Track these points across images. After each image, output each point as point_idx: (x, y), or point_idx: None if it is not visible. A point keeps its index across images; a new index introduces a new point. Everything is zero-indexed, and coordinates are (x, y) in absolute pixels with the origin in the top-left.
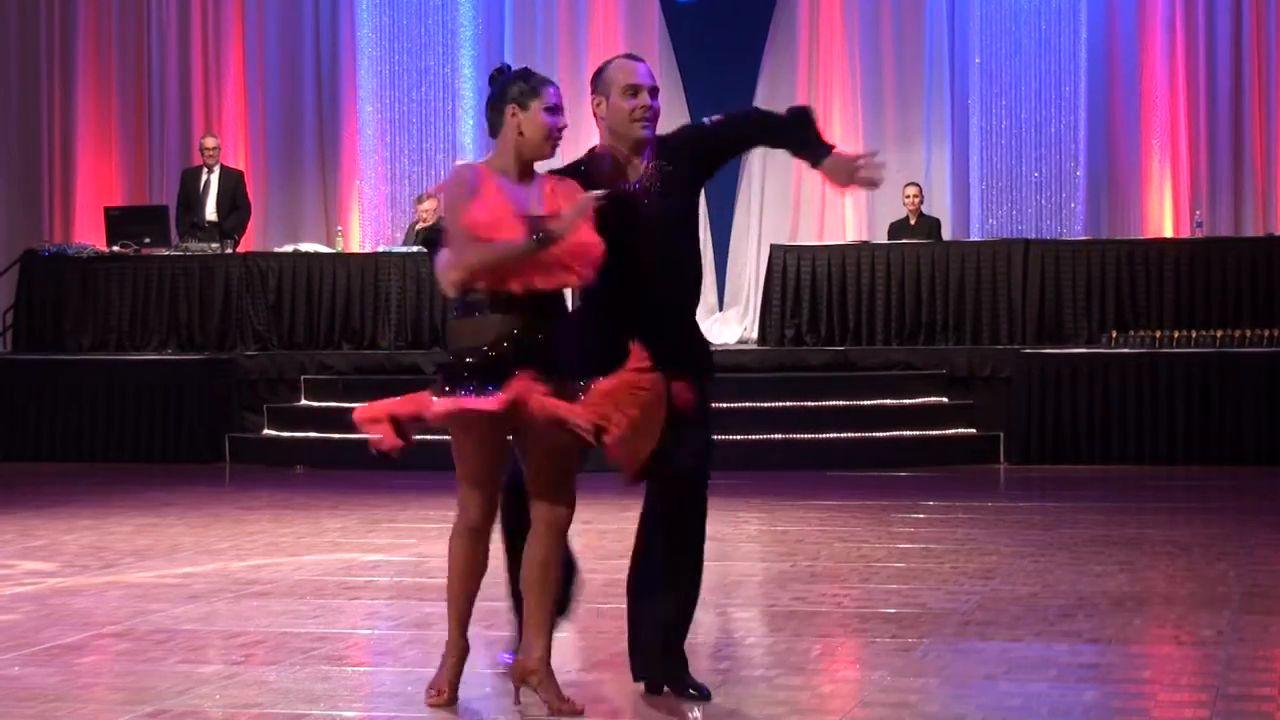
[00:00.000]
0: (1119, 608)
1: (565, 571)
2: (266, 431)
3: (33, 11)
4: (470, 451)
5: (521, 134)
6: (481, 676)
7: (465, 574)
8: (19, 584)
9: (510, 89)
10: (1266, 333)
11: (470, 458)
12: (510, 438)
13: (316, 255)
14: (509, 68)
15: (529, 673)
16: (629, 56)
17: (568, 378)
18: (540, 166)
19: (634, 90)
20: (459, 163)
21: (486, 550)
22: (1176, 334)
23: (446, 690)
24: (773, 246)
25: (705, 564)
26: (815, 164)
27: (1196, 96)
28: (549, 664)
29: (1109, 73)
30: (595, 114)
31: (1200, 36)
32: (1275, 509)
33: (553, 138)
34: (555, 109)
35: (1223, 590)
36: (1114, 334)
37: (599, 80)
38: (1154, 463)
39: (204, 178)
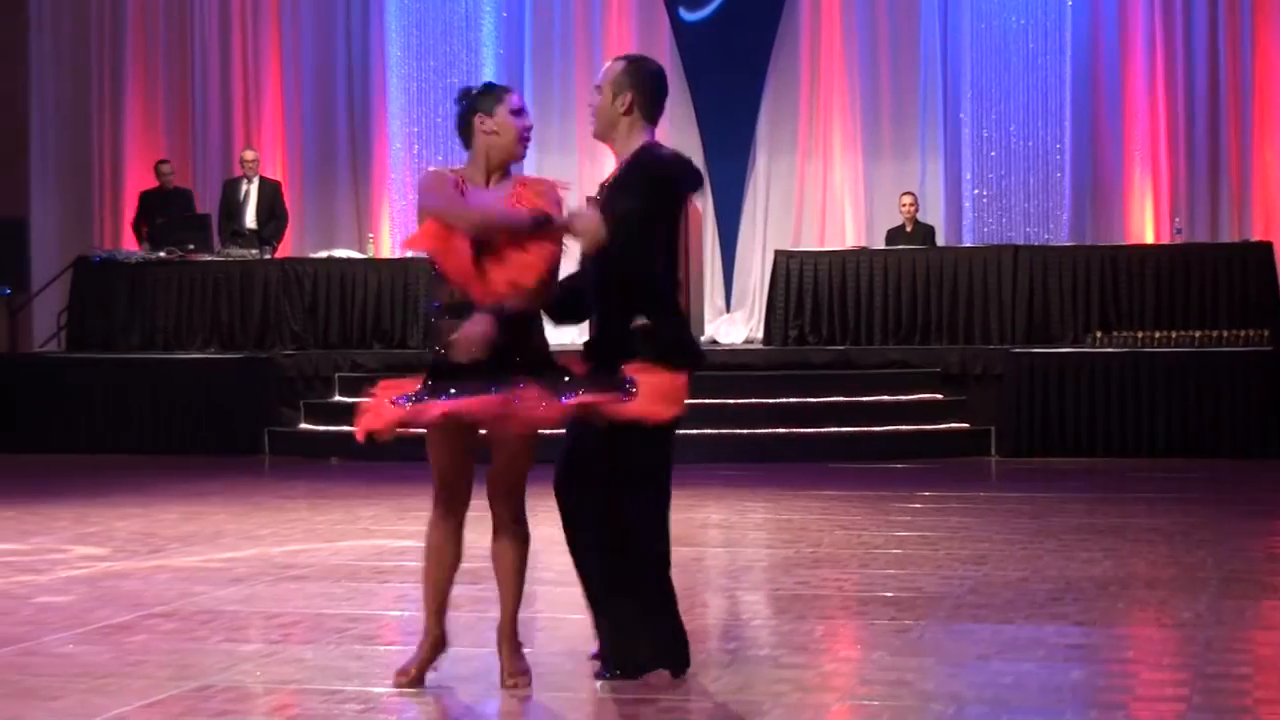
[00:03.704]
0: (1104, 592)
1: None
2: (303, 425)
3: (83, 33)
4: (447, 450)
5: (493, 134)
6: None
7: (441, 563)
8: (73, 567)
9: (475, 101)
10: (1242, 333)
11: (447, 456)
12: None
13: (349, 260)
14: (471, 89)
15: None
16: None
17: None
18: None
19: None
20: (431, 168)
21: (460, 540)
22: (1157, 334)
23: (413, 673)
24: (777, 252)
25: (713, 549)
26: None
27: (1175, 110)
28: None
29: (1092, 88)
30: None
31: (1179, 53)
32: (1250, 499)
33: (522, 138)
34: (520, 111)
35: (1201, 575)
36: (1098, 334)
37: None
38: (1136, 455)
39: (244, 188)
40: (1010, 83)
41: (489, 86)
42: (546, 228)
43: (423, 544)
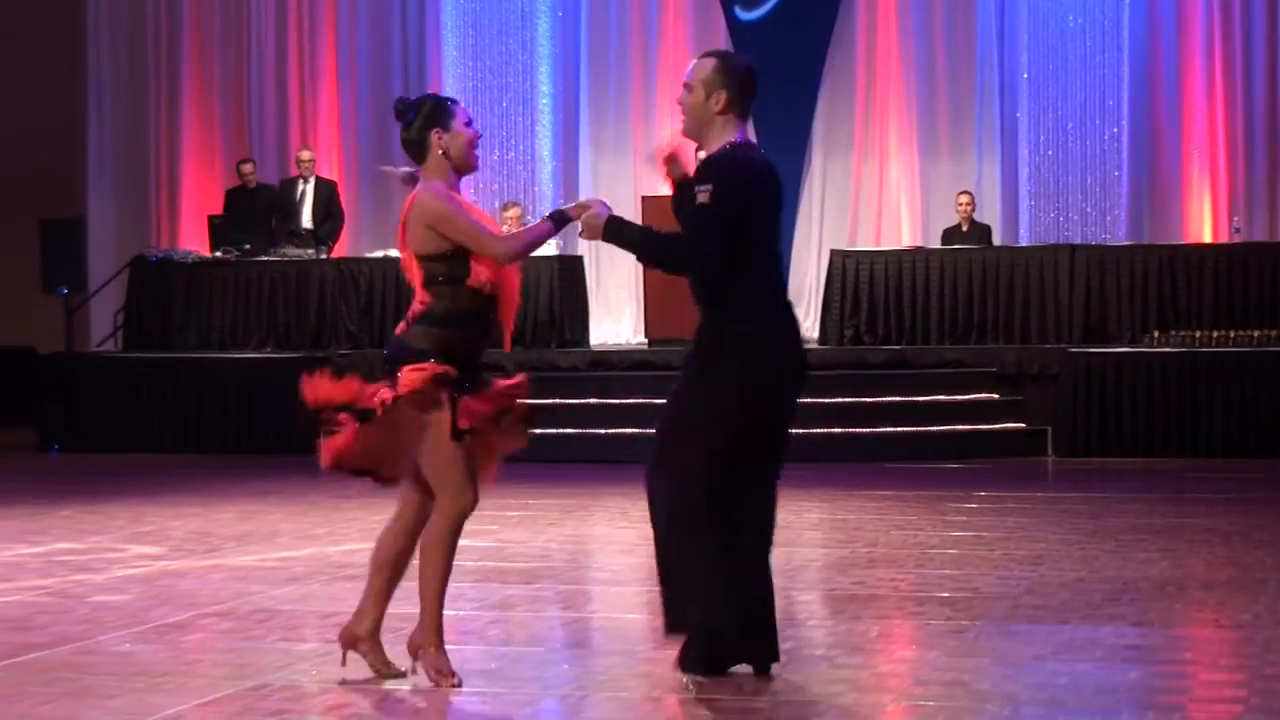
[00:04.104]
0: (1161, 592)
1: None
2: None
3: (140, 34)
4: (463, 451)
5: (447, 153)
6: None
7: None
8: (130, 566)
9: (431, 116)
10: None
11: (464, 457)
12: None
13: None
14: (407, 99)
15: (359, 640)
16: None
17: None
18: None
19: None
20: (424, 187)
21: None
22: (1215, 334)
23: (456, 675)
24: (833, 251)
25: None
26: None
27: (1234, 109)
28: (378, 634)
29: (1150, 87)
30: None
31: (1238, 52)
32: None
33: (475, 149)
34: (470, 122)
35: (1260, 576)
36: (1156, 334)
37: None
38: (1194, 455)
39: (300, 188)
40: (1067, 81)
41: (438, 100)
42: (563, 223)
43: (454, 544)
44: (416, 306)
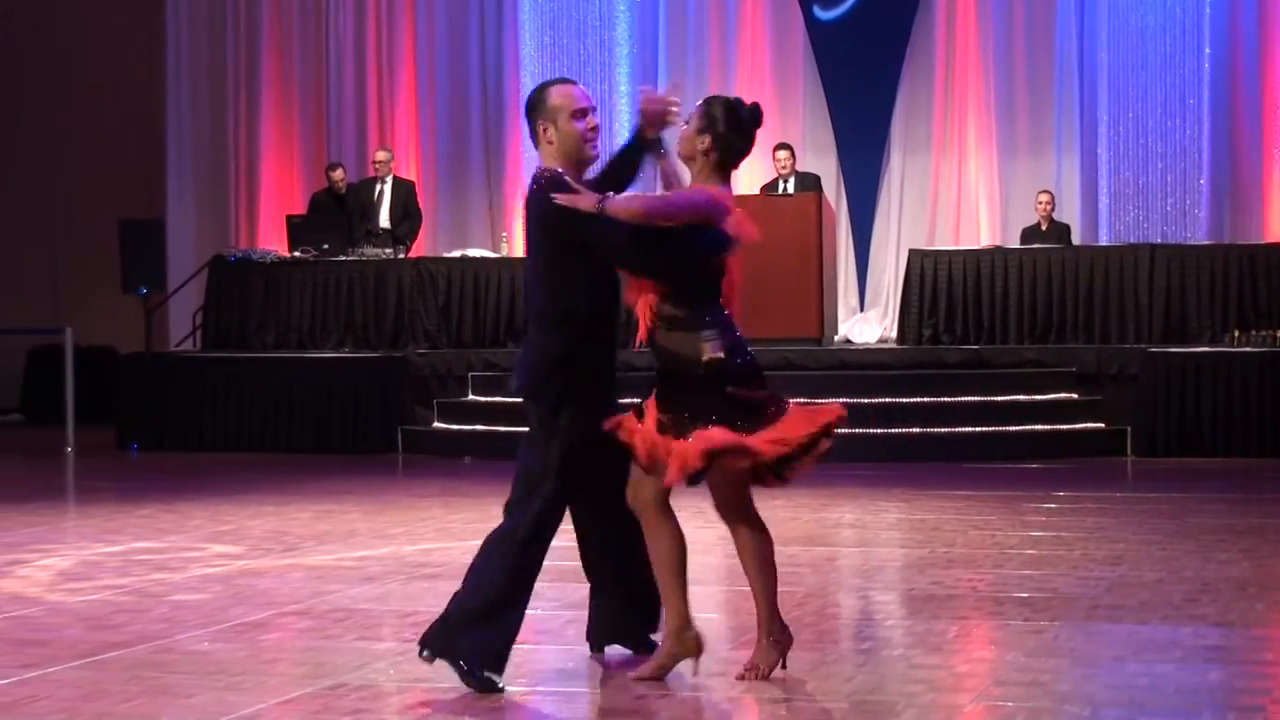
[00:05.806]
0: (1242, 593)
1: None
2: (436, 424)
3: (219, 34)
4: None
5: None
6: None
7: None
8: (208, 565)
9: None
10: None
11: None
12: None
13: (483, 260)
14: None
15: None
16: (564, 81)
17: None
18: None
19: (582, 113)
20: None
21: None
22: None
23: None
24: (911, 251)
25: (847, 549)
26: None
27: None
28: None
29: (1231, 85)
30: (540, 139)
31: None
32: None
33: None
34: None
35: None
36: (1236, 333)
37: (541, 107)
38: (1275, 456)
39: (378, 188)
40: (1148, 80)
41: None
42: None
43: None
44: None
